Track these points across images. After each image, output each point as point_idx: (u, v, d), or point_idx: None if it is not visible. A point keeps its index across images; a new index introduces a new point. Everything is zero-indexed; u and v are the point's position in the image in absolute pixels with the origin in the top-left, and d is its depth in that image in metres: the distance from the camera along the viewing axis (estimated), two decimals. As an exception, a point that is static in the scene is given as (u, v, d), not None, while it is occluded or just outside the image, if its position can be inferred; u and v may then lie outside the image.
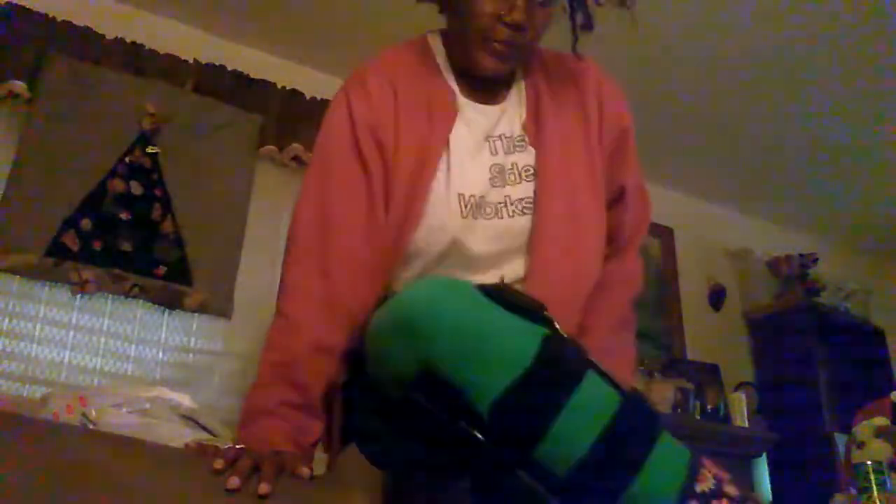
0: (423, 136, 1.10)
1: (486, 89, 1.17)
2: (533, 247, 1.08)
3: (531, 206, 1.10)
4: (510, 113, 1.17)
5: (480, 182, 1.10)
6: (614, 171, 1.21)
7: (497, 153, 1.13)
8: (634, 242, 1.27)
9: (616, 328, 1.20)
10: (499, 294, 0.82)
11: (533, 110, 1.17)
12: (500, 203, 1.10)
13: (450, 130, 1.11)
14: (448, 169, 1.09)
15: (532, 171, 1.12)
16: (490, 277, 1.06)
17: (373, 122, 1.10)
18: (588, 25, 1.18)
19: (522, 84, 1.20)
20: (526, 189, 1.11)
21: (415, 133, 1.11)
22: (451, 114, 1.13)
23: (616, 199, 1.24)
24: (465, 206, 1.08)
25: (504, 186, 1.11)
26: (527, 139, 1.14)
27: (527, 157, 1.13)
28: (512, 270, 1.08)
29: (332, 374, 1.01)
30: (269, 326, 1.04)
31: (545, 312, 0.84)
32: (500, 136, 1.14)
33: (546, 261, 1.08)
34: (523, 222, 1.10)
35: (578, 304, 1.13)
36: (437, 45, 1.20)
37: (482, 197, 1.09)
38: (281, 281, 1.07)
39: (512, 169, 1.12)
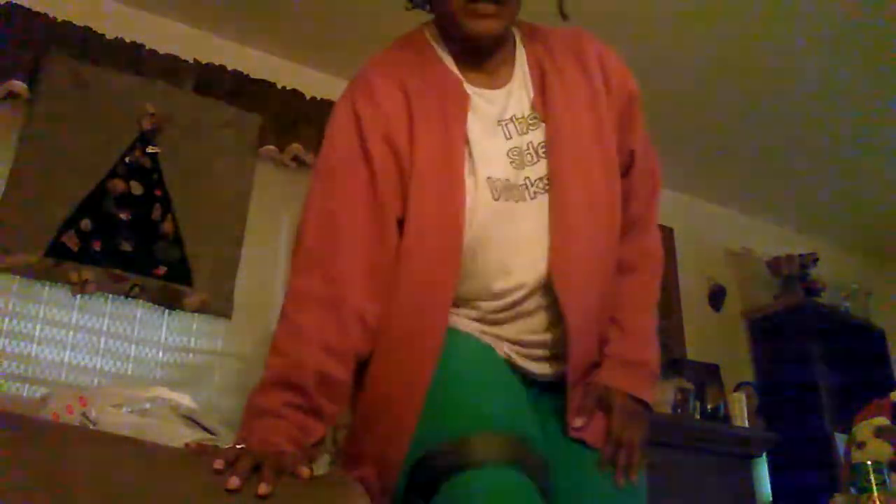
0: (442, 129, 1.10)
1: (490, 72, 1.16)
2: (553, 224, 1.08)
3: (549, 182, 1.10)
4: (517, 93, 1.15)
5: (503, 166, 1.10)
6: (624, 137, 1.20)
7: (511, 136, 1.12)
8: (650, 210, 1.25)
9: (642, 309, 1.19)
10: None
11: (539, 86, 1.16)
12: (522, 185, 1.09)
13: (466, 116, 1.11)
14: (471, 155, 1.09)
15: (545, 147, 1.12)
16: (526, 258, 1.07)
17: (385, 128, 1.09)
18: None
19: (525, 61, 1.18)
20: (543, 167, 1.11)
21: (433, 127, 1.10)
22: (464, 100, 1.12)
23: (628, 166, 1.22)
24: (496, 190, 1.08)
25: (523, 168, 1.10)
26: (539, 116, 1.13)
27: (541, 134, 1.12)
28: (541, 250, 1.07)
29: (340, 377, 1.01)
30: (275, 331, 1.04)
31: None
32: (511, 119, 1.13)
33: (567, 237, 1.08)
34: (545, 201, 1.09)
35: (601, 277, 1.12)
36: (433, 36, 1.19)
37: (507, 180, 1.09)
38: (287, 286, 1.07)
39: (528, 149, 1.11)
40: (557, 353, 1.09)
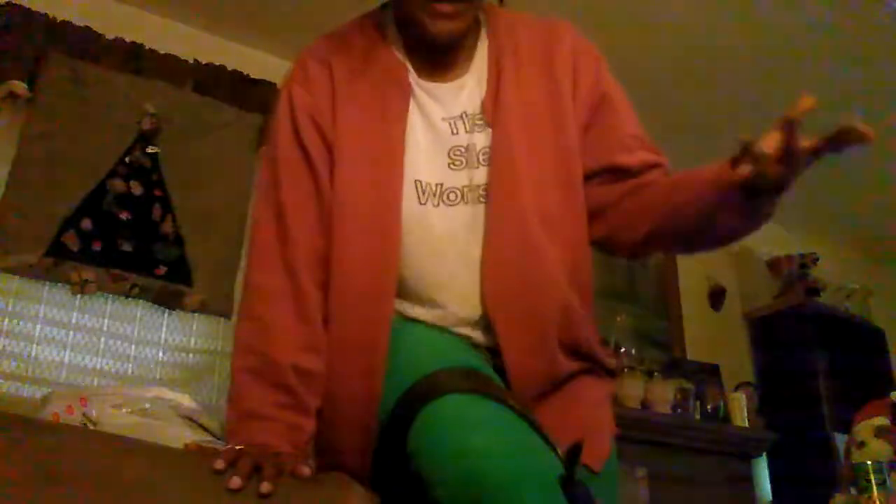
0: (379, 119, 1.05)
1: (442, 64, 1.08)
2: (487, 242, 1.01)
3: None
4: (471, 88, 1.07)
5: (438, 168, 1.03)
6: (599, 149, 1.09)
7: (458, 133, 1.04)
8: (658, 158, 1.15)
9: None
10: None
11: (494, 85, 1.06)
12: (465, 186, 1.03)
13: (407, 107, 1.05)
14: (404, 152, 1.03)
15: (489, 154, 1.03)
16: (452, 263, 1.02)
17: (311, 107, 1.06)
18: None
19: (486, 54, 1.09)
20: (484, 174, 1.03)
21: (367, 115, 1.05)
22: (406, 91, 1.06)
23: (609, 179, 1.10)
24: (423, 193, 1.02)
25: (469, 169, 1.03)
26: (485, 118, 1.05)
27: (486, 139, 1.04)
28: (472, 258, 1.01)
29: (316, 369, 0.99)
30: (239, 327, 1.02)
31: None
32: (461, 115, 1.05)
33: (499, 252, 1.01)
34: (484, 209, 1.02)
35: (553, 299, 1.03)
36: (388, 20, 1.12)
37: (440, 184, 1.03)
38: (247, 281, 1.05)
39: (475, 150, 1.04)
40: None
